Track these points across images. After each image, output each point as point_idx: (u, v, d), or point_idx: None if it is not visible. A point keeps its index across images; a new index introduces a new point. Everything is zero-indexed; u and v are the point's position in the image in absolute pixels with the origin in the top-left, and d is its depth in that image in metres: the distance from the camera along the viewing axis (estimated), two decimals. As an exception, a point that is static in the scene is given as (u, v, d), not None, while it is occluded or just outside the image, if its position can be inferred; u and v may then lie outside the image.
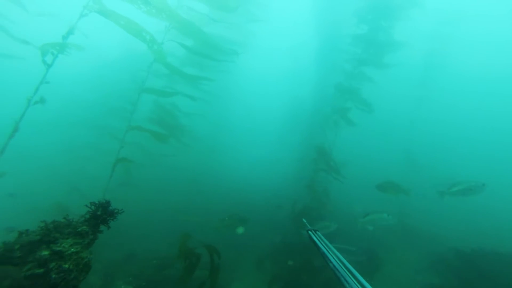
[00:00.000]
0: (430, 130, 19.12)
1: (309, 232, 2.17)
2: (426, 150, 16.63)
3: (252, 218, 8.92)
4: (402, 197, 13.65)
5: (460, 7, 18.27)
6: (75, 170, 10.57)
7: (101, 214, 2.93)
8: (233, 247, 8.11)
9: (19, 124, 5.18)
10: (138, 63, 8.87)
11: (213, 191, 12.34)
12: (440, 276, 7.69)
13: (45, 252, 2.20)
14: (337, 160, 9.23)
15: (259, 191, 13.34)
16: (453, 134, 23.67)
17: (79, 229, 2.60)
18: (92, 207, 2.93)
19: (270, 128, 19.78)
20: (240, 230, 7.96)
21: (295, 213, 8.49)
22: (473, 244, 8.42)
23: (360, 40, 10.18)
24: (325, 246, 1.89)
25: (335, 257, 1.70)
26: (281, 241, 8.62)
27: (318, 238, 2.02)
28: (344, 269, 1.55)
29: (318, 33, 12.95)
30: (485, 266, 7.31)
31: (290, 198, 9.82)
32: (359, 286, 1.38)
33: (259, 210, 11.02)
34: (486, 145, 25.37)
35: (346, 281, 1.45)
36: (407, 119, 16.14)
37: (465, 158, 21.52)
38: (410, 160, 15.29)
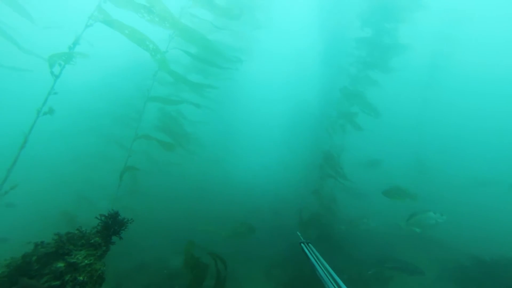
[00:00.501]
0: (438, 132, 18.90)
1: (302, 244, 2.46)
2: (436, 153, 16.39)
3: (260, 226, 8.89)
4: (414, 203, 13.52)
5: (464, 8, 18.22)
6: (83, 179, 10.69)
7: (112, 225, 3.00)
8: (241, 256, 8.08)
9: (29, 135, 5.27)
10: (144, 71, 9.03)
11: (220, 198, 12.34)
12: (458, 286, 7.47)
13: (61, 264, 2.24)
14: (343, 165, 9.20)
15: (266, 198, 13.29)
16: (463, 135, 23.32)
17: (92, 241, 2.67)
18: (103, 218, 3.01)
19: (276, 134, 19.77)
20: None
21: (302, 220, 8.43)
22: (492, 253, 8.10)
23: (365, 43, 10.22)
24: (314, 257, 2.17)
25: (322, 267, 1.95)
26: (289, 249, 8.56)
27: (310, 250, 2.32)
28: (330, 278, 1.81)
29: (322, 37, 13.02)
30: (507, 276, 7.03)
31: (297, 205, 9.81)
32: None
33: (266, 217, 10.98)
34: (498, 147, 24.93)
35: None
36: (414, 121, 16.02)
37: (477, 160, 21.14)
38: (421, 163, 15.12)
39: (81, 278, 2.22)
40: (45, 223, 8.17)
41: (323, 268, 1.94)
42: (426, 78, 16.92)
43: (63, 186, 10.31)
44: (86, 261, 2.39)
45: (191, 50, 7.30)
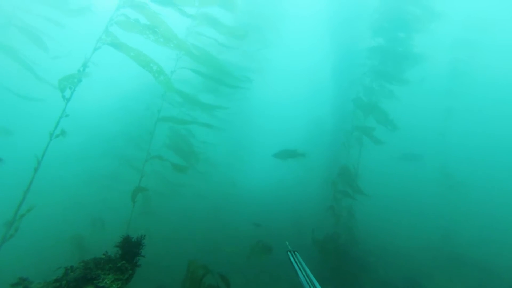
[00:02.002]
0: (466, 142, 17.71)
1: (288, 253, 2.71)
2: (465, 166, 15.29)
3: (277, 246, 8.52)
4: (445, 221, 12.58)
5: (486, 14, 17.62)
6: (97, 201, 10.88)
7: (130, 247, 3.14)
8: (262, 276, 7.91)
9: (43, 157, 5.34)
10: (156, 91, 9.32)
11: (236, 218, 12.11)
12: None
13: (90, 289, 2.36)
14: (359, 180, 8.80)
15: (284, 217, 12.85)
16: (496, 144, 21.57)
17: (119, 264, 2.80)
18: (119, 245, 3.14)
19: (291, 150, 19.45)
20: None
21: (315, 240, 8.03)
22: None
23: (378, 52, 10.02)
24: (299, 264, 2.41)
25: (305, 275, 2.15)
26: (313, 269, 8.07)
27: (295, 258, 2.57)
28: (311, 284, 1.99)
29: (334, 51, 13.02)
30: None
31: (315, 223, 9.38)
32: None
33: (285, 236, 10.53)
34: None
35: None
36: (437, 133, 15.13)
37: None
38: (448, 177, 14.12)
39: (109, 302, 2.34)
40: (60, 247, 8.31)
41: (306, 278, 2.08)
42: (447, 85, 16.13)
43: (77, 208, 10.51)
44: (114, 285, 2.51)
45: (200, 69, 7.45)
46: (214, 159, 12.00)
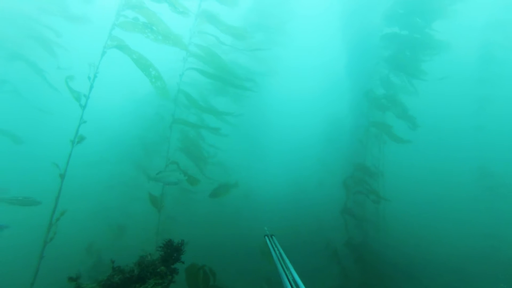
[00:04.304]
0: (506, 137, 16.16)
1: (266, 237, 2.87)
2: (507, 164, 13.96)
3: (293, 252, 8.29)
4: (489, 228, 11.53)
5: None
6: (117, 207, 11.29)
7: (171, 252, 3.27)
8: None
9: (68, 165, 5.58)
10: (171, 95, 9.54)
11: (253, 225, 12.01)
12: None
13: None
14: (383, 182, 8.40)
15: (300, 222, 12.54)
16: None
17: (158, 270, 2.91)
18: (161, 249, 3.30)
19: (308, 150, 19.04)
20: None
21: (333, 252, 7.78)
22: None
23: (393, 42, 9.57)
24: (275, 248, 2.51)
25: (280, 258, 2.25)
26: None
27: (272, 242, 2.69)
28: (285, 268, 2.07)
29: (347, 44, 12.60)
30: None
31: (335, 229, 9.28)
32: (293, 283, 1.89)
33: (303, 243, 10.31)
34: None
35: (282, 278, 1.97)
36: (470, 126, 13.92)
37: None
38: (487, 177, 12.98)
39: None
40: (83, 251, 8.76)
41: (281, 261, 2.18)
42: (481, 74, 14.64)
43: (99, 215, 11.00)
44: (155, 291, 2.57)
45: (206, 70, 7.60)
46: (228, 162, 12.04)
